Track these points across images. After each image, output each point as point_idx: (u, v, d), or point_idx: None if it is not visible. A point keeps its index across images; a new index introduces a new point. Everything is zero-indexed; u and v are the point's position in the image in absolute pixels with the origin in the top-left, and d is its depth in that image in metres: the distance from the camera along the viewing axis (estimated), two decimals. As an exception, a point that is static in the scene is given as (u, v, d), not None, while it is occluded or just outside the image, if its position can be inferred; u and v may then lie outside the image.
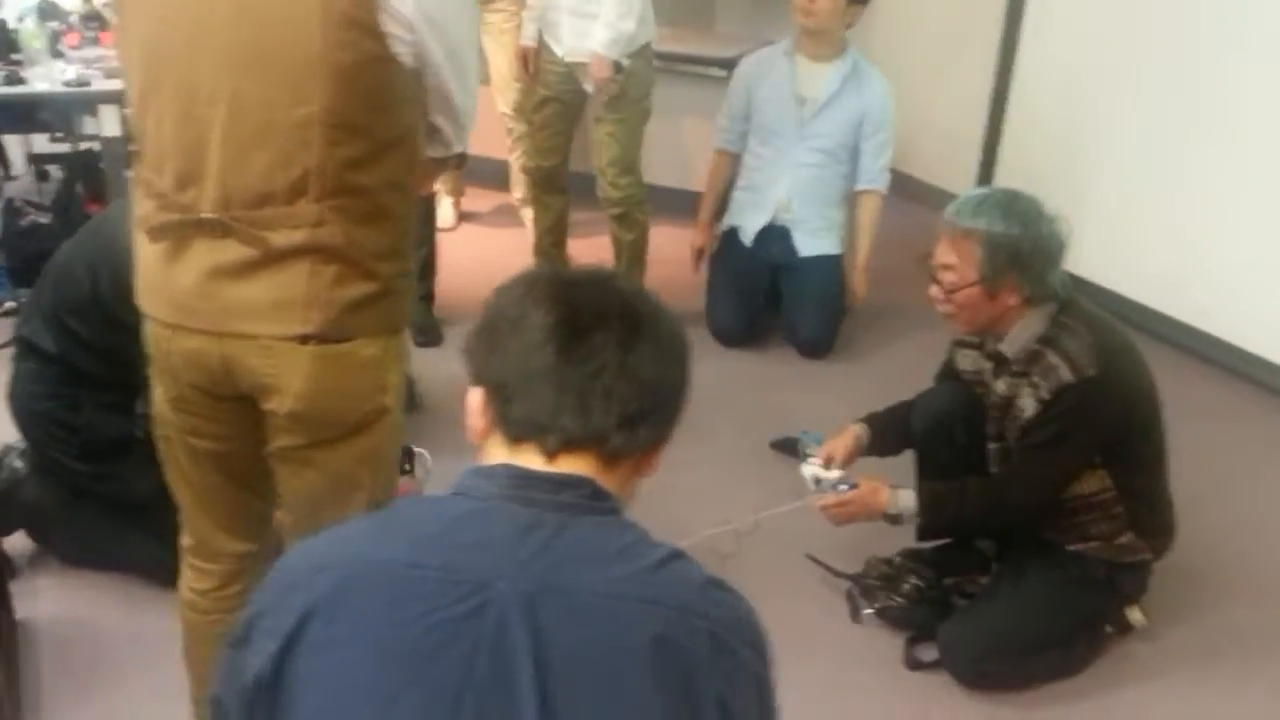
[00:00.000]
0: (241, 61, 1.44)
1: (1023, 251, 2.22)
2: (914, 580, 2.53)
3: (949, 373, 2.63)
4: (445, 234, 4.38)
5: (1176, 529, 2.44)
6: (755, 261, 3.97)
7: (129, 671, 2.31)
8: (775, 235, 3.96)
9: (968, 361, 2.54)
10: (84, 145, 3.99)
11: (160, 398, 1.68)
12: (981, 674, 2.36)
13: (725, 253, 4.06)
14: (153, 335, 1.62)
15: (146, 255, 1.59)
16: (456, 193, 4.73)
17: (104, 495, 2.46)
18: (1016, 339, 2.30)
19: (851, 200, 3.95)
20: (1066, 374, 2.20)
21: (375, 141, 1.50)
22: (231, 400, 1.63)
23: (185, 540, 1.84)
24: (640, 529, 1.08)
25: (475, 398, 1.13)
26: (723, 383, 3.69)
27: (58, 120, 4.10)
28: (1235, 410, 3.62)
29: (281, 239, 1.50)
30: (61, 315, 2.33)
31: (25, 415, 2.43)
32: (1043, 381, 2.23)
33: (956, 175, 4.78)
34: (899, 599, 2.51)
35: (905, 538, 2.53)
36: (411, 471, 2.55)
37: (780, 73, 3.83)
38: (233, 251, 1.51)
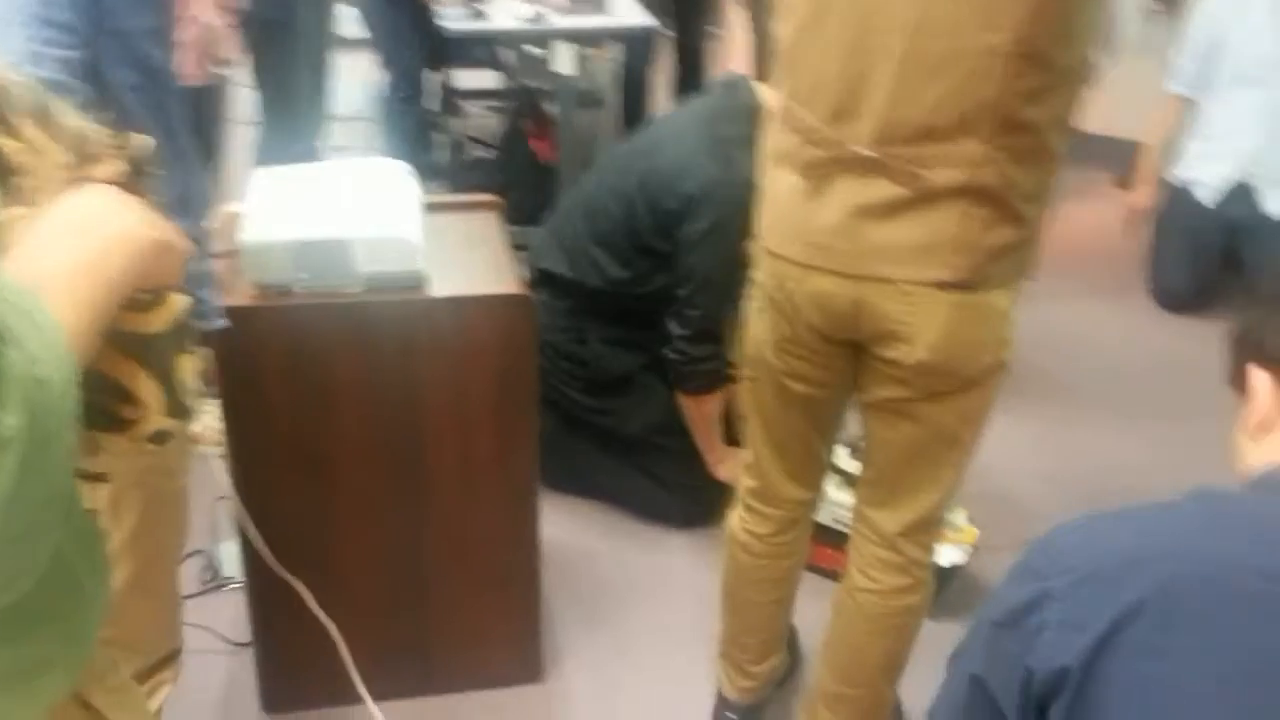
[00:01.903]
0: None
1: None
2: None
3: None
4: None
5: None
6: (1212, 220, 3.62)
7: (628, 602, 2.35)
8: (1237, 192, 3.58)
9: None
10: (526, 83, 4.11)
11: (761, 339, 1.64)
12: None
13: (1175, 209, 3.71)
14: (777, 274, 1.56)
15: (781, 192, 1.53)
16: None
17: (599, 428, 2.52)
18: None
19: None
20: None
21: (1054, 73, 1.36)
22: (842, 345, 1.57)
23: (749, 483, 1.81)
24: None
25: (1261, 380, 0.98)
26: (1171, 353, 3.39)
27: (488, 57, 4.26)
28: None
29: (939, 177, 1.40)
30: (589, 246, 2.38)
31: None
32: None
33: None
34: None
35: None
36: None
37: (1264, 6, 3.41)
38: (882, 190, 1.43)
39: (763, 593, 1.88)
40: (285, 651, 1.95)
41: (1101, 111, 4.48)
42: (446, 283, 1.78)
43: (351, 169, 1.92)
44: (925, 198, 1.41)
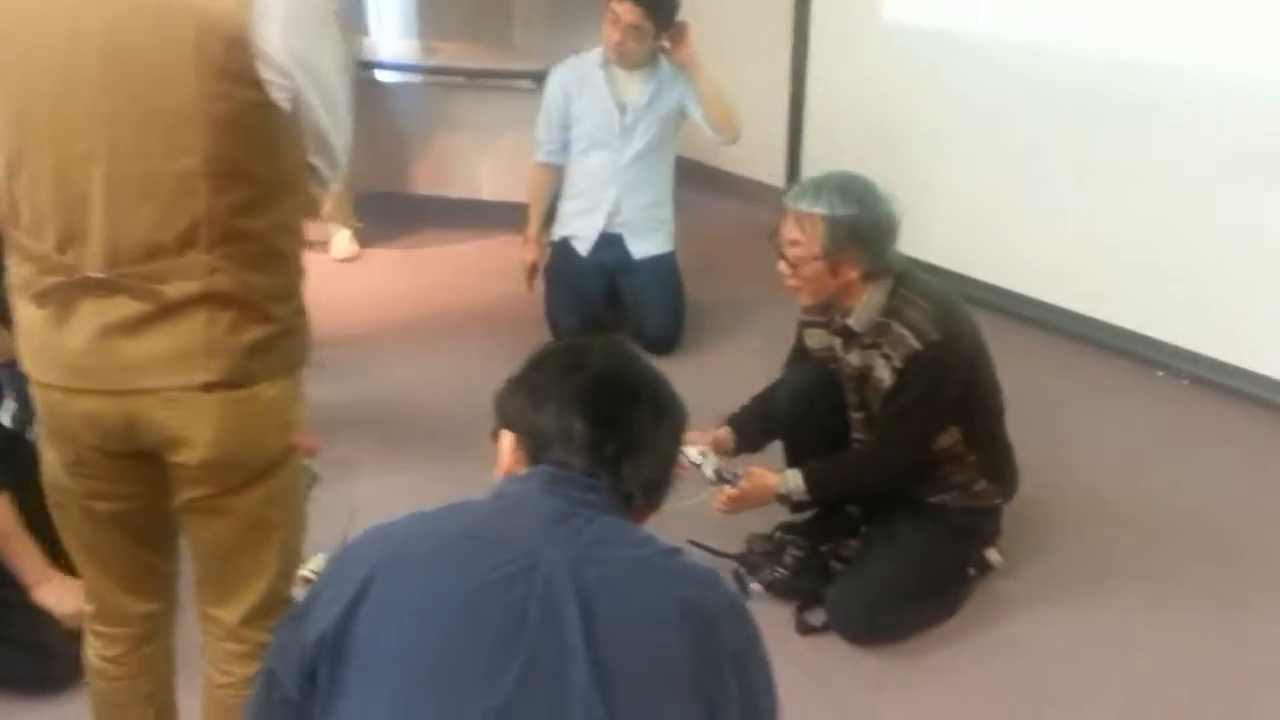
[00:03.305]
0: (115, 113, 1.42)
1: (861, 230, 2.40)
2: (794, 551, 2.67)
3: (800, 353, 2.78)
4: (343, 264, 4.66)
5: (1019, 473, 2.67)
6: (590, 267, 4.06)
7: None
8: (608, 241, 4.06)
9: (816, 340, 2.69)
10: None
11: (54, 464, 1.63)
12: (869, 630, 2.52)
13: (559, 262, 4.12)
14: (47, 402, 1.57)
15: (29, 321, 1.54)
16: (353, 224, 4.74)
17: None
18: (861, 313, 2.47)
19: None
20: (914, 342, 2.38)
21: (262, 186, 1.50)
22: (133, 457, 1.60)
23: (89, 608, 1.78)
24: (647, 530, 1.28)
25: (507, 440, 1.32)
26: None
27: None
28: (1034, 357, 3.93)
29: (175, 290, 1.48)
30: None
31: None
32: (893, 351, 2.41)
33: (766, 167, 5.02)
34: (783, 570, 2.64)
35: (778, 513, 2.67)
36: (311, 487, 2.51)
37: (596, 82, 3.92)
38: (124, 308, 1.49)
39: (130, 717, 1.85)
40: None
41: (500, 180, 4.92)
42: None
43: None
44: (168, 310, 1.49)
